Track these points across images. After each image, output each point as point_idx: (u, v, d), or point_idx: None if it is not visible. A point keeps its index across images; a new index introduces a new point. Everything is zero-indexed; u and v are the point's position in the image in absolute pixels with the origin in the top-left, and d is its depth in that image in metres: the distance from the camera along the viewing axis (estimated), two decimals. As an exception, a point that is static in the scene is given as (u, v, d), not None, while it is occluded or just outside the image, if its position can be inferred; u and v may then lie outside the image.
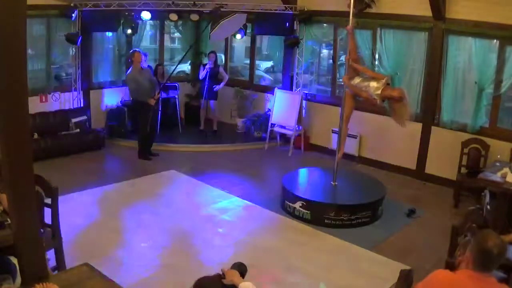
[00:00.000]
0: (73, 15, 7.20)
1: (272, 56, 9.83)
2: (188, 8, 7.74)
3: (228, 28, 7.24)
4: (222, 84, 8.61)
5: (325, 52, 8.87)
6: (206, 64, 8.36)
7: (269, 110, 8.44)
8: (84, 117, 7.69)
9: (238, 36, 8.26)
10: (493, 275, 2.34)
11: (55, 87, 7.63)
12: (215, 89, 8.51)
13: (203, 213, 5.48)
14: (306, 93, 8.25)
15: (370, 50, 7.19)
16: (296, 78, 8.32)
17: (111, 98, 8.35)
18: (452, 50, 6.40)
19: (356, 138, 7.44)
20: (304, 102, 8.14)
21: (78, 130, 7.51)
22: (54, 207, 3.54)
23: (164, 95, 8.42)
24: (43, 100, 7.41)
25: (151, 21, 8.50)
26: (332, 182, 5.80)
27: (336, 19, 7.41)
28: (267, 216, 5.52)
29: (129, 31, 7.75)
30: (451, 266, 3.26)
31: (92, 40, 7.92)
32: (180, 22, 9.06)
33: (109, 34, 8.25)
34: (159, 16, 8.53)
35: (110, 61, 8.37)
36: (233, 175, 6.79)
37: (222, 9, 7.22)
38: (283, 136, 8.40)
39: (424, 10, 6.37)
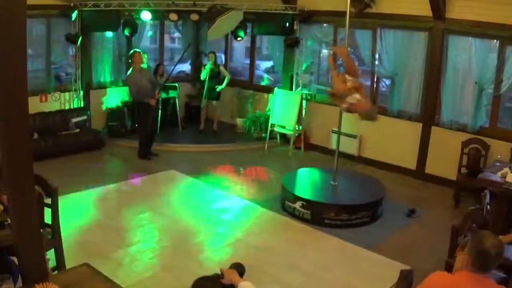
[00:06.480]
0: (73, 15, 7.20)
1: (272, 56, 9.83)
2: (188, 8, 7.74)
3: (225, 25, 7.22)
4: (224, 84, 8.57)
5: (325, 52, 8.86)
6: (206, 64, 8.37)
7: (269, 110, 8.44)
8: (84, 117, 7.69)
9: (238, 38, 8.23)
10: (492, 276, 2.34)
11: (55, 87, 7.63)
12: (217, 89, 8.49)
13: (203, 213, 5.48)
14: (306, 93, 8.26)
15: (370, 50, 7.19)
16: (296, 78, 8.32)
17: (111, 98, 8.35)
18: (452, 50, 6.40)
19: (356, 138, 7.44)
20: (304, 102, 8.14)
21: (78, 130, 7.51)
22: (54, 207, 3.54)
23: (164, 95, 8.42)
24: (43, 100, 7.41)
25: (151, 21, 8.49)
26: (332, 182, 5.80)
27: (336, 19, 7.40)
28: (267, 216, 5.52)
29: (129, 31, 7.75)
30: (451, 267, 3.26)
31: (92, 40, 7.91)
32: (180, 22, 9.05)
33: (109, 34, 8.24)
34: (159, 16, 8.53)
35: (110, 61, 8.35)
36: (233, 175, 6.79)
37: (218, 7, 7.19)
38: (283, 136, 8.40)
39: (424, 10, 6.37)
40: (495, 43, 5.99)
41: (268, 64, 11.13)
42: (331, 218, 5.20)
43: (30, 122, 6.62)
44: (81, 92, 7.83)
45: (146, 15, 7.66)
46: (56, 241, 3.59)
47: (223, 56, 10.01)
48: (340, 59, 5.55)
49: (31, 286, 2.29)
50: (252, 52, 9.44)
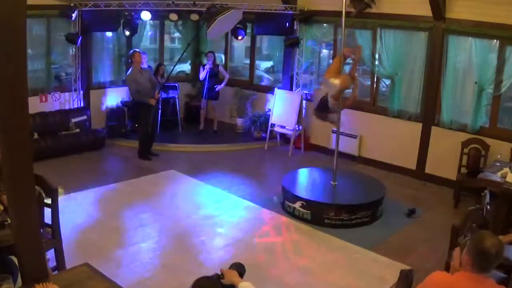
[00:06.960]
0: (73, 15, 7.19)
1: (272, 56, 9.82)
2: (188, 8, 7.74)
3: (224, 24, 7.20)
4: (223, 84, 8.62)
5: (325, 52, 8.86)
6: (205, 65, 8.38)
7: (269, 110, 8.45)
8: (84, 117, 7.69)
9: (239, 37, 8.23)
10: (492, 276, 2.34)
11: (55, 87, 7.63)
12: (216, 89, 8.53)
13: (203, 213, 5.48)
14: (306, 93, 8.26)
15: (370, 50, 7.19)
16: (296, 78, 8.33)
17: (111, 98, 8.35)
18: (452, 50, 6.39)
19: (356, 138, 7.44)
20: (304, 102, 8.14)
21: (78, 130, 7.51)
22: (54, 207, 3.54)
23: (164, 95, 8.43)
24: (43, 100, 7.41)
25: (151, 21, 8.49)
26: (332, 182, 5.80)
27: (336, 19, 7.36)
28: (267, 216, 5.52)
29: (129, 31, 7.74)
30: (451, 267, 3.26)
31: (92, 40, 7.92)
32: (180, 22, 9.05)
33: (109, 34, 8.24)
34: (159, 16, 8.52)
35: (110, 61, 8.36)
36: (233, 175, 6.79)
37: (217, 6, 7.18)
38: (283, 136, 8.40)
39: (424, 10, 6.37)
40: (495, 43, 5.99)
41: (268, 64, 11.11)
42: (331, 218, 5.20)
43: (30, 122, 6.62)
44: (81, 92, 7.84)
45: (146, 15, 7.65)
46: (56, 241, 3.59)
47: (223, 56, 10.01)
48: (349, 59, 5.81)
49: (31, 286, 2.29)
50: (252, 52, 9.43)
